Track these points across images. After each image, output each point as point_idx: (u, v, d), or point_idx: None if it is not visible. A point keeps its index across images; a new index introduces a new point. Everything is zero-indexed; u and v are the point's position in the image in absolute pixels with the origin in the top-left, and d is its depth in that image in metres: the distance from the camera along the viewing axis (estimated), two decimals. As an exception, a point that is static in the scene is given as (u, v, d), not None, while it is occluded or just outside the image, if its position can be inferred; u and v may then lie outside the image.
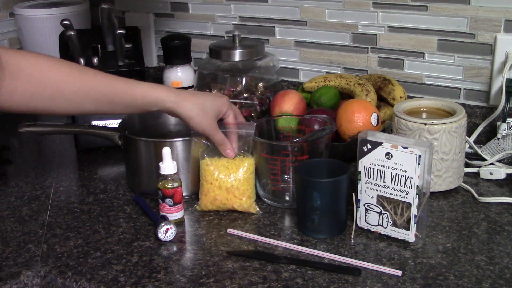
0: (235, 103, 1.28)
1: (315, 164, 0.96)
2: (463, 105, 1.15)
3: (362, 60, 1.35)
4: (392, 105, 1.20)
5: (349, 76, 1.28)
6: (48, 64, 0.87)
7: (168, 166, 0.97)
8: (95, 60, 1.29)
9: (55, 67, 0.88)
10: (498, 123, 1.16)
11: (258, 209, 1.01)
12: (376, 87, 1.25)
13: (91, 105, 0.91)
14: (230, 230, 0.96)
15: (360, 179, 0.92)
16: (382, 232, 0.92)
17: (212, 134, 0.98)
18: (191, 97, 0.97)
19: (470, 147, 1.16)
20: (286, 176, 1.01)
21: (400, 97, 1.22)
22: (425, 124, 1.00)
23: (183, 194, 1.02)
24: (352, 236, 0.92)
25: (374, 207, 0.91)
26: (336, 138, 1.13)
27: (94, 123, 1.28)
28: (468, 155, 1.15)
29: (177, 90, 0.99)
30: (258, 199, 1.04)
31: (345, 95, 1.27)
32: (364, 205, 0.92)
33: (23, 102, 0.86)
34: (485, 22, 1.18)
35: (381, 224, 0.91)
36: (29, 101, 0.86)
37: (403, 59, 1.30)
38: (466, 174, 1.09)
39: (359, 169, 0.91)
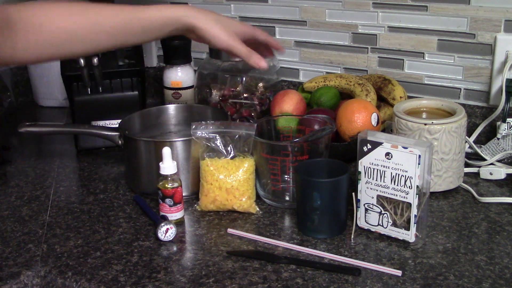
0: (235, 103, 1.28)
1: (315, 164, 0.96)
2: (463, 105, 1.15)
3: (362, 60, 1.35)
4: (392, 105, 1.20)
5: (349, 76, 1.28)
6: (56, 10, 0.86)
7: (168, 166, 0.97)
8: (95, 60, 1.29)
9: (63, 12, 0.86)
10: (498, 123, 1.16)
11: (258, 209, 1.01)
12: (376, 87, 1.25)
13: (106, 39, 0.89)
14: (230, 230, 0.96)
15: (360, 179, 0.92)
16: (382, 232, 0.92)
17: (234, 46, 0.93)
18: (208, 11, 0.94)
19: (470, 147, 1.16)
20: (286, 176, 1.01)
21: (400, 97, 1.22)
22: (425, 124, 1.00)
23: (183, 194, 1.02)
24: (352, 236, 0.92)
25: (374, 207, 0.91)
26: (336, 138, 1.13)
27: (94, 123, 1.28)
28: (468, 155, 1.15)
29: (190, 5, 0.95)
30: (258, 199, 1.04)
31: (345, 95, 1.27)
32: (364, 205, 0.92)
33: (39, 52, 0.85)
34: (485, 22, 1.18)
35: (381, 224, 0.91)
36: (45, 50, 0.86)
37: (403, 59, 1.30)
38: (466, 174, 1.09)
39: (359, 169, 0.91)
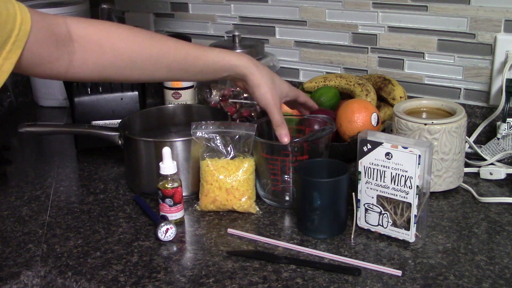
0: (235, 103, 1.28)
1: (315, 164, 0.96)
2: (463, 105, 1.15)
3: (362, 60, 1.35)
4: (392, 105, 1.20)
5: (349, 76, 1.28)
6: (119, 33, 0.86)
7: (168, 166, 0.97)
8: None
9: (125, 36, 0.87)
10: (498, 123, 1.16)
11: (258, 209, 1.01)
12: (376, 87, 1.25)
13: (164, 72, 0.91)
14: (230, 230, 0.96)
15: (360, 179, 0.92)
16: (382, 232, 0.92)
17: (273, 111, 0.97)
18: (263, 67, 0.97)
19: (470, 147, 1.16)
20: (286, 176, 1.01)
21: (400, 97, 1.22)
22: (425, 124, 1.00)
23: (183, 194, 1.02)
24: (352, 236, 0.92)
25: (374, 207, 0.91)
26: (336, 138, 1.13)
27: (94, 123, 1.28)
28: (468, 155, 1.15)
29: (249, 56, 0.98)
30: (258, 199, 1.04)
31: (345, 95, 1.27)
32: (364, 205, 0.92)
33: (95, 73, 0.85)
34: (485, 22, 1.18)
35: (381, 224, 0.91)
36: (101, 71, 0.86)
37: (403, 59, 1.30)
38: (466, 174, 1.09)
39: (359, 169, 0.91)
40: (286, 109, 1.18)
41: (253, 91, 0.97)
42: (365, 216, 0.93)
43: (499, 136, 1.15)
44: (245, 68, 0.95)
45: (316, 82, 1.31)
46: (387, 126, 1.20)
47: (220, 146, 1.02)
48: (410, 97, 1.25)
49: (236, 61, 0.95)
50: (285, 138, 0.97)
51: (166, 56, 0.90)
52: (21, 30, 0.70)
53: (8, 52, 0.69)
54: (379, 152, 0.89)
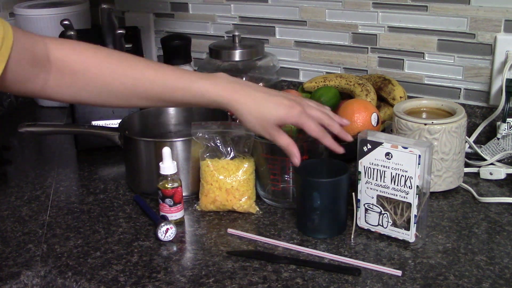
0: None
1: (315, 164, 0.96)
2: (463, 105, 1.15)
3: (362, 60, 1.35)
4: (392, 105, 1.20)
5: (349, 76, 1.28)
6: (95, 58, 0.85)
7: (168, 166, 0.97)
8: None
9: (100, 62, 0.85)
10: (498, 123, 1.16)
11: (258, 209, 1.01)
12: (376, 87, 1.25)
13: (142, 101, 0.89)
14: (230, 230, 0.96)
15: (360, 179, 0.92)
16: (382, 232, 0.92)
17: (273, 140, 0.88)
18: (249, 99, 0.87)
19: (470, 147, 1.16)
20: (286, 176, 1.01)
21: (400, 97, 1.22)
22: (425, 124, 1.00)
23: (183, 194, 1.02)
24: (352, 236, 0.92)
25: (374, 207, 0.91)
26: (336, 138, 1.13)
27: (94, 123, 1.28)
28: (468, 155, 1.15)
29: (235, 85, 0.88)
30: (258, 199, 1.04)
31: (345, 95, 1.27)
32: (364, 205, 0.92)
33: (70, 95, 0.86)
34: (485, 22, 1.18)
35: (381, 224, 0.91)
36: (75, 95, 0.86)
37: (403, 59, 1.30)
38: (466, 174, 1.09)
39: (359, 169, 0.91)
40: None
41: (241, 123, 0.90)
42: (365, 216, 0.93)
43: (499, 136, 1.15)
44: (227, 104, 0.87)
45: (316, 82, 1.31)
46: (387, 126, 1.20)
47: (220, 146, 1.02)
48: (410, 97, 1.25)
49: (217, 97, 0.87)
50: (296, 161, 0.88)
51: (141, 86, 0.86)
52: (3, 45, 0.71)
53: None
54: (379, 152, 0.89)
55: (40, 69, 0.81)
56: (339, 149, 0.89)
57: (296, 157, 0.88)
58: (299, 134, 1.07)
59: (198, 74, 0.89)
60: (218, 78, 0.88)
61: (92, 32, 1.44)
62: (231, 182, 0.99)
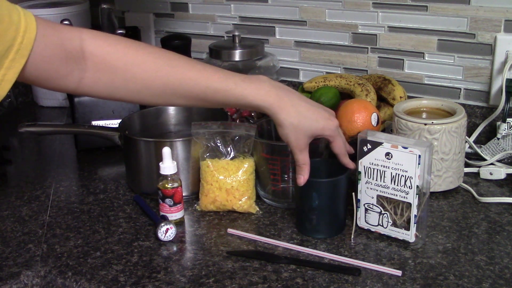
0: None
1: (314, 164, 0.96)
2: (463, 105, 1.15)
3: (362, 60, 1.35)
4: (392, 105, 1.20)
5: (349, 76, 1.28)
6: (136, 56, 0.81)
7: (168, 166, 0.97)
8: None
9: (142, 60, 0.81)
10: (498, 123, 1.16)
11: (258, 209, 1.01)
12: (376, 87, 1.25)
13: (181, 101, 0.86)
14: (230, 230, 0.96)
15: (360, 179, 0.92)
16: (382, 232, 0.92)
17: (295, 152, 0.89)
18: (293, 109, 0.87)
19: (470, 147, 1.16)
20: (286, 176, 1.01)
21: (400, 97, 1.21)
22: (425, 124, 1.00)
23: (183, 194, 1.02)
24: (352, 236, 0.92)
25: (374, 207, 0.91)
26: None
27: (94, 123, 1.28)
28: (468, 155, 1.15)
29: (279, 91, 0.87)
30: (258, 199, 1.04)
31: (345, 95, 1.27)
32: (364, 205, 0.92)
33: (107, 93, 0.82)
34: (485, 22, 1.18)
35: (381, 224, 0.91)
36: (112, 92, 0.82)
37: (403, 59, 1.30)
38: (466, 174, 1.09)
39: (359, 169, 0.91)
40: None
41: (278, 131, 0.89)
42: (365, 216, 0.93)
43: (499, 136, 1.15)
44: (269, 109, 0.86)
45: (316, 82, 1.31)
46: (387, 126, 1.20)
47: (220, 146, 1.02)
48: (410, 97, 1.25)
49: (259, 101, 0.85)
50: (300, 181, 0.90)
51: (183, 87, 0.83)
52: (24, 38, 0.68)
53: (11, 61, 0.67)
54: (379, 152, 0.89)
55: (74, 65, 0.76)
56: (352, 165, 0.93)
57: (303, 178, 0.90)
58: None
59: (241, 76, 0.87)
60: (261, 82, 0.87)
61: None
62: (231, 182, 0.99)
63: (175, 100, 0.86)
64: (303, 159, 0.89)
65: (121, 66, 0.80)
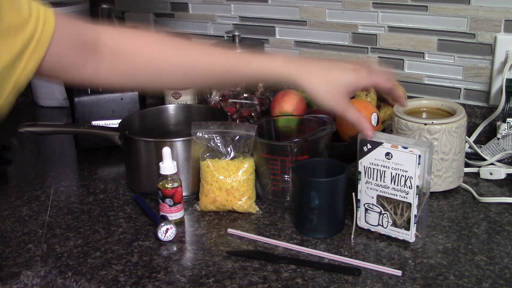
0: (235, 103, 1.28)
1: (313, 164, 0.96)
2: (463, 105, 1.15)
3: (362, 60, 1.35)
4: (392, 105, 1.20)
5: (349, 76, 1.28)
6: (151, 41, 0.82)
7: (168, 166, 0.97)
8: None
9: (158, 46, 0.82)
10: (498, 123, 1.16)
11: (258, 209, 1.01)
12: (376, 87, 1.25)
13: (200, 81, 0.86)
14: (230, 230, 0.96)
15: (360, 179, 0.92)
16: (382, 232, 0.92)
17: (343, 113, 0.85)
18: (315, 70, 0.84)
19: (470, 147, 1.16)
20: (286, 176, 1.01)
21: (400, 97, 1.21)
22: (425, 124, 1.00)
23: (183, 194, 1.02)
24: (352, 236, 0.92)
25: (374, 207, 0.91)
26: (336, 138, 1.13)
27: (94, 123, 1.28)
28: (468, 155, 1.15)
29: (297, 60, 0.86)
30: (258, 199, 1.04)
31: (345, 95, 1.27)
32: (364, 205, 0.92)
33: (124, 80, 0.82)
34: (485, 22, 1.18)
35: (381, 224, 0.91)
36: (131, 80, 0.83)
37: (403, 59, 1.30)
38: (466, 174, 1.09)
39: (359, 169, 0.91)
40: (286, 109, 1.18)
41: (311, 97, 0.86)
42: (365, 216, 0.93)
43: (499, 136, 1.15)
44: (290, 77, 0.84)
45: (316, 82, 1.30)
46: (387, 126, 1.20)
47: (220, 147, 1.02)
48: (410, 97, 1.25)
49: (283, 70, 0.84)
50: (369, 133, 0.87)
51: (204, 70, 0.84)
52: (44, 28, 0.69)
53: (32, 52, 0.68)
54: (379, 152, 0.88)
55: (91, 54, 0.77)
56: (405, 102, 0.90)
57: (368, 130, 0.86)
58: (298, 134, 1.07)
59: (253, 53, 0.87)
60: (277, 55, 0.86)
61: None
62: (231, 182, 0.99)
63: (195, 81, 0.86)
64: (355, 114, 0.86)
65: (137, 52, 0.81)
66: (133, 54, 0.81)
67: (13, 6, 0.65)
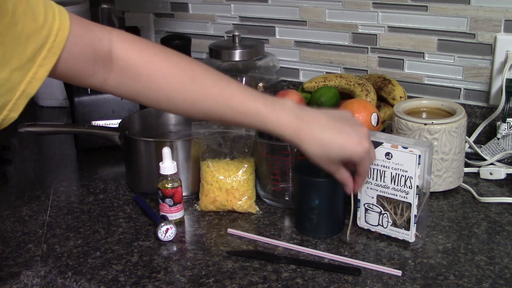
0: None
1: (313, 164, 0.96)
2: (463, 105, 1.15)
3: (362, 60, 1.35)
4: (392, 105, 1.20)
5: (349, 76, 1.28)
6: (161, 66, 0.80)
7: (168, 166, 0.97)
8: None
9: (167, 72, 0.80)
10: (498, 123, 1.16)
11: (258, 209, 1.01)
12: (376, 87, 1.25)
13: (199, 115, 0.85)
14: (230, 230, 0.96)
15: (360, 179, 0.92)
16: (382, 232, 0.92)
17: (333, 173, 0.87)
18: (313, 140, 0.83)
19: (470, 147, 1.16)
20: (286, 176, 1.01)
21: (400, 97, 1.21)
22: (425, 124, 1.00)
23: (183, 194, 1.02)
24: (348, 233, 0.92)
25: (374, 207, 0.91)
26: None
27: (94, 123, 1.28)
28: (468, 155, 1.15)
29: (301, 122, 0.82)
30: (258, 199, 1.04)
31: (345, 95, 1.27)
32: (364, 205, 0.92)
33: (130, 95, 0.81)
34: (485, 22, 1.18)
35: (381, 224, 0.91)
36: (135, 96, 0.81)
37: (403, 59, 1.30)
38: (466, 174, 1.09)
39: (359, 169, 0.91)
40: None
41: (306, 156, 0.86)
42: (365, 216, 0.93)
43: (499, 136, 1.15)
44: (289, 140, 0.83)
45: (316, 82, 1.31)
46: (387, 126, 1.20)
47: (220, 147, 1.02)
48: (410, 97, 1.25)
49: (279, 131, 0.82)
50: (350, 190, 0.89)
51: (203, 103, 0.82)
52: (57, 36, 0.68)
53: (44, 59, 0.67)
54: (379, 152, 0.88)
55: (101, 67, 0.76)
56: (357, 189, 0.91)
57: (349, 188, 0.88)
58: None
59: (265, 99, 0.83)
60: (284, 110, 0.82)
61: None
62: (231, 182, 0.99)
63: (195, 114, 0.85)
64: (341, 176, 0.87)
65: (145, 74, 0.79)
66: (141, 76, 0.79)
67: (28, 12, 0.65)
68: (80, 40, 0.73)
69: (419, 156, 0.85)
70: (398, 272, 0.83)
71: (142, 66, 0.79)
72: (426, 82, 1.29)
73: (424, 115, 1.07)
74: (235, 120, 0.84)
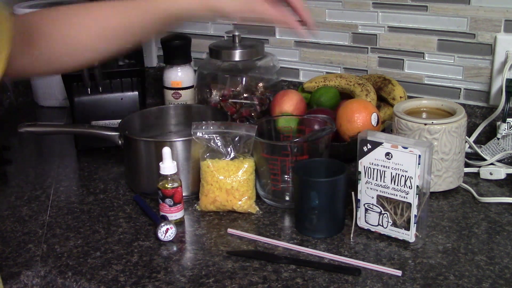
0: (235, 103, 1.28)
1: (313, 164, 0.96)
2: (463, 105, 1.15)
3: (362, 60, 1.35)
4: (392, 105, 1.20)
5: (349, 76, 1.28)
6: (86, 14, 0.80)
7: (168, 166, 0.97)
8: (95, 60, 1.28)
9: (94, 14, 0.80)
10: (498, 123, 1.16)
11: (258, 209, 1.01)
12: (376, 87, 1.25)
13: (132, 38, 0.83)
14: (230, 230, 0.96)
15: (360, 179, 0.92)
16: (382, 232, 0.92)
17: (261, 15, 0.79)
18: None
19: (470, 147, 1.16)
20: (286, 176, 1.01)
21: (400, 97, 1.22)
22: (425, 124, 1.00)
23: (183, 194, 1.02)
24: (352, 235, 0.92)
25: (374, 207, 0.91)
26: (336, 138, 1.13)
27: (94, 123, 1.28)
28: (468, 155, 1.15)
29: None
30: (258, 199, 1.04)
31: (345, 95, 1.27)
32: (364, 205, 0.92)
33: (50, 64, 0.80)
34: (485, 22, 1.18)
35: (381, 224, 0.91)
36: (72, 56, 0.80)
37: (403, 59, 1.30)
38: (466, 174, 1.09)
39: (359, 169, 0.91)
40: (286, 109, 1.18)
41: (221, 14, 0.81)
42: (365, 216, 0.93)
43: (499, 136, 1.15)
44: (200, 7, 0.80)
45: (316, 82, 1.31)
46: (387, 126, 1.20)
47: (220, 147, 1.02)
48: (410, 97, 1.25)
49: (186, 4, 0.79)
50: (298, 25, 0.80)
51: (133, 22, 0.80)
52: (7, 26, 0.68)
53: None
54: (379, 152, 0.89)
55: (26, 44, 0.76)
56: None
57: (291, 24, 0.79)
58: (298, 134, 1.07)
59: None
60: None
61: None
62: (231, 182, 0.99)
63: (129, 37, 0.83)
64: (274, 13, 0.79)
65: (73, 29, 0.79)
66: (72, 29, 0.78)
67: None
68: (16, 31, 0.72)
69: (419, 156, 0.85)
70: (398, 272, 0.83)
71: (66, 23, 0.79)
72: (426, 82, 1.29)
73: (424, 115, 1.07)
74: (145, 22, 0.81)
